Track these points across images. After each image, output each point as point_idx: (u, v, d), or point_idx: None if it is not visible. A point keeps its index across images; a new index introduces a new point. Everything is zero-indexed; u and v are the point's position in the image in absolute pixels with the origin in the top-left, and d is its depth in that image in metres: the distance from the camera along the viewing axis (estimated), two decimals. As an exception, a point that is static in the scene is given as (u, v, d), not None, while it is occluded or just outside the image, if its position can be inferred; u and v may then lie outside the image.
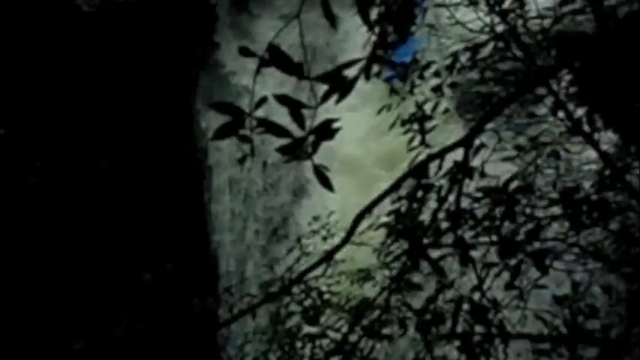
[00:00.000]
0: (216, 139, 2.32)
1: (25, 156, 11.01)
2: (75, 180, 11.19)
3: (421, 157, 5.55)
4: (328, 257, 4.48)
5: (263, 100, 2.34)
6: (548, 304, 5.02)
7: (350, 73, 2.44)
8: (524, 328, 5.20)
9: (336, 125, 2.36)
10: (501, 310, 4.81)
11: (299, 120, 2.30)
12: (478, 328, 4.90)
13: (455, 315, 4.67)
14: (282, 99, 2.30)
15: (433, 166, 5.33)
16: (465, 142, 4.70)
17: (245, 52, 2.34)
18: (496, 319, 4.82)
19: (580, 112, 5.97)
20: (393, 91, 6.68)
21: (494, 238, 5.38)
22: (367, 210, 4.36)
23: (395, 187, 4.60)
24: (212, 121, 13.46)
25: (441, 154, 4.69)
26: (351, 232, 4.22)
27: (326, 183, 2.42)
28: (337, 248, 4.40)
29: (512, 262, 5.16)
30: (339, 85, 2.30)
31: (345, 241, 4.28)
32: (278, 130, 2.31)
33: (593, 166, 6.28)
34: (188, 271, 10.84)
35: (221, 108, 2.33)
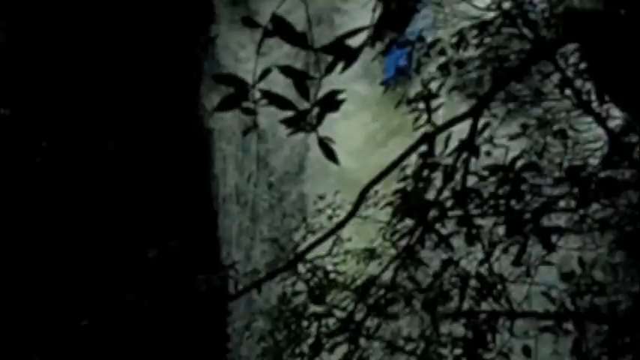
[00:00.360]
0: (219, 110, 2.30)
1: (31, 137, 11.03)
2: (81, 161, 11.20)
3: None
4: (335, 230, 4.47)
5: (267, 72, 2.32)
6: (555, 282, 5.00)
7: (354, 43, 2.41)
8: (531, 307, 5.19)
9: (341, 97, 2.34)
10: (507, 285, 4.79)
11: (303, 91, 2.28)
12: (484, 306, 4.90)
13: (462, 290, 4.66)
14: (286, 70, 2.27)
15: (439, 145, 5.31)
16: (473, 113, 4.63)
17: (248, 22, 2.31)
18: (502, 296, 4.81)
19: (587, 89, 5.93)
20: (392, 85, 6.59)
21: (501, 216, 5.37)
22: (373, 183, 4.33)
23: (401, 159, 4.55)
24: (216, 102, 13.44)
25: (449, 125, 4.62)
26: (357, 206, 4.20)
27: (331, 156, 2.40)
28: (344, 222, 4.38)
29: (519, 240, 5.15)
30: (344, 54, 2.28)
31: (351, 214, 4.27)
32: (281, 102, 2.29)
33: (600, 144, 6.24)
34: (193, 248, 10.90)
35: (224, 80, 2.31)
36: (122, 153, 11.59)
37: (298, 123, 2.31)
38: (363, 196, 4.33)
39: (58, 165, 10.92)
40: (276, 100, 2.29)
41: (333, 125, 12.03)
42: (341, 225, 4.45)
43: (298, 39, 2.21)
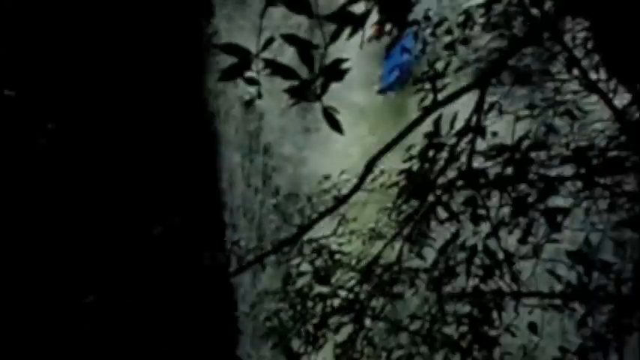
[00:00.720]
0: (222, 80, 2.28)
1: (37, 118, 11.03)
2: (87, 142, 11.21)
3: (433, 116, 5.48)
4: (341, 203, 4.44)
5: (270, 41, 2.30)
6: (562, 261, 4.97)
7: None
8: (537, 286, 5.18)
9: (345, 66, 2.31)
10: (514, 264, 4.77)
11: (308, 61, 2.25)
12: (490, 285, 4.88)
13: (468, 266, 4.63)
14: (290, 39, 2.25)
15: (445, 126, 5.28)
16: (480, 84, 4.57)
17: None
18: (508, 274, 4.79)
19: (595, 70, 5.88)
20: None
21: (507, 196, 5.34)
22: (378, 157, 4.29)
23: (406, 133, 4.49)
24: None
25: (455, 97, 4.56)
26: (362, 179, 4.17)
27: (335, 125, 2.38)
28: (350, 194, 4.35)
29: (525, 220, 5.13)
30: (349, 21, 2.25)
31: (357, 187, 4.24)
32: (285, 72, 2.26)
33: (607, 124, 6.19)
34: (197, 225, 10.90)
35: (227, 49, 2.29)
36: (128, 135, 11.60)
37: (302, 92, 2.28)
38: (368, 170, 4.29)
39: (63, 146, 10.93)
40: (279, 69, 2.26)
41: (330, 138, 11.94)
42: (347, 197, 4.42)
43: (302, 7, 2.18)
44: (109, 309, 8.23)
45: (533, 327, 4.79)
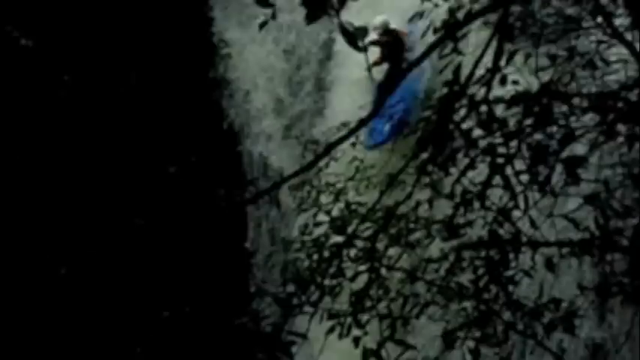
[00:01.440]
0: None
1: (54, 70, 11.04)
2: (104, 94, 11.23)
3: (452, 65, 5.41)
4: (360, 126, 4.42)
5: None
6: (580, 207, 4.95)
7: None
8: (556, 235, 5.16)
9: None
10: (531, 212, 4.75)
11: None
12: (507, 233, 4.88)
13: (482, 199, 4.59)
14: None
15: (465, 72, 5.23)
16: (499, 28, 4.47)
17: None
18: (526, 223, 4.77)
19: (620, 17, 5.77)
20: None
21: (526, 146, 5.30)
22: (396, 83, 4.25)
23: (425, 56, 4.40)
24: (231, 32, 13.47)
25: (474, 17, 4.47)
26: (380, 104, 4.15)
27: (352, 41, 2.34)
28: (368, 118, 4.32)
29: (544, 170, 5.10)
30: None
31: (375, 111, 4.22)
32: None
33: (632, 76, 6.10)
34: (213, 163, 10.90)
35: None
36: (143, 83, 11.60)
37: (321, 5, 2.22)
38: (386, 96, 4.27)
39: (81, 97, 10.96)
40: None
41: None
42: (367, 119, 4.38)
43: None
44: (126, 247, 8.35)
45: (550, 264, 4.79)
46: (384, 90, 10.94)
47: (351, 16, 3.11)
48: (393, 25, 11.65)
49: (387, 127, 10.91)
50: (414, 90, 10.90)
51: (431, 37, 5.26)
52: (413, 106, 10.80)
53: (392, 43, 11.63)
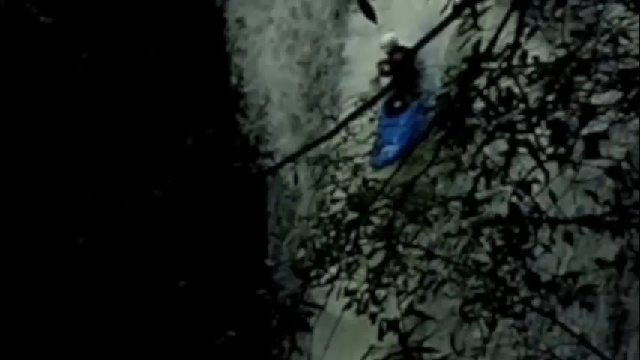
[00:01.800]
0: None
1: (73, 47, 11.10)
2: (121, 71, 11.29)
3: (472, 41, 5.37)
4: (378, 98, 4.41)
5: None
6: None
7: None
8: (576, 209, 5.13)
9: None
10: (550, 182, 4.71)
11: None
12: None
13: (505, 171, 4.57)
14: None
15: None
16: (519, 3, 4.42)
17: None
18: (545, 196, 4.75)
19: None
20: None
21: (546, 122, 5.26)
22: (415, 50, 4.21)
23: (443, 26, 4.37)
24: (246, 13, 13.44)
25: None
26: (399, 79, 4.12)
27: (368, 12, 2.32)
28: (388, 88, 4.29)
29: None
30: None
31: (397, 81, 4.19)
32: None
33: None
34: (230, 135, 10.91)
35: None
36: (161, 60, 11.63)
37: None
38: (407, 61, 4.23)
39: (100, 74, 11.03)
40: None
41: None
42: (386, 90, 4.35)
43: None
44: (142, 215, 8.43)
45: (568, 236, 4.76)
46: (390, 111, 10.80)
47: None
48: (401, 43, 11.29)
49: (396, 148, 10.77)
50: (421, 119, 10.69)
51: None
52: (421, 121, 10.52)
53: (401, 61, 11.22)
